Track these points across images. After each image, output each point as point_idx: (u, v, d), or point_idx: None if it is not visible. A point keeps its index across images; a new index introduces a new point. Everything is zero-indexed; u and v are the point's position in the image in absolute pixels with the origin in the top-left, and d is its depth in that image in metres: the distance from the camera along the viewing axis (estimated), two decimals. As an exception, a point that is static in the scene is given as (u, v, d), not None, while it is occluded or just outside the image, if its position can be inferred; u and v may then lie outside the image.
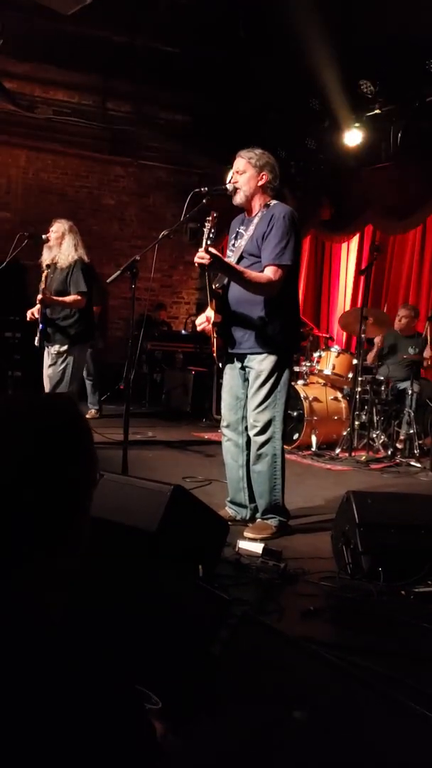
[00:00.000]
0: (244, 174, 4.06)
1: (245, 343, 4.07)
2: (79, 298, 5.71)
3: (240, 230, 4.20)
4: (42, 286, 5.71)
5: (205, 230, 3.84)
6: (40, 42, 8.09)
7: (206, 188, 4.12)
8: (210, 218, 3.87)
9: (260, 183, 4.06)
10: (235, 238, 4.23)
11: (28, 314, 5.80)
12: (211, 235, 3.83)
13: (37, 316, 5.72)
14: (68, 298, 5.71)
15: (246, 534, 3.95)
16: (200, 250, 3.79)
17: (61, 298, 5.70)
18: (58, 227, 5.90)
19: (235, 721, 2.06)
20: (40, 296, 5.67)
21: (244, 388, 4.16)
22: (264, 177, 4.06)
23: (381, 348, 7.51)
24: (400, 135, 7.89)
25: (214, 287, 4.11)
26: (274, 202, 4.10)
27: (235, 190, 4.07)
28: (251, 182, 4.06)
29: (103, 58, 8.43)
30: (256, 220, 4.08)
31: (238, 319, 4.07)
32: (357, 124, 8.19)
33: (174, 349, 10.22)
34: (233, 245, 4.22)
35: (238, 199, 4.10)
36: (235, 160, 4.12)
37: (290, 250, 3.95)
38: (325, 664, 2.49)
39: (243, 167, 4.06)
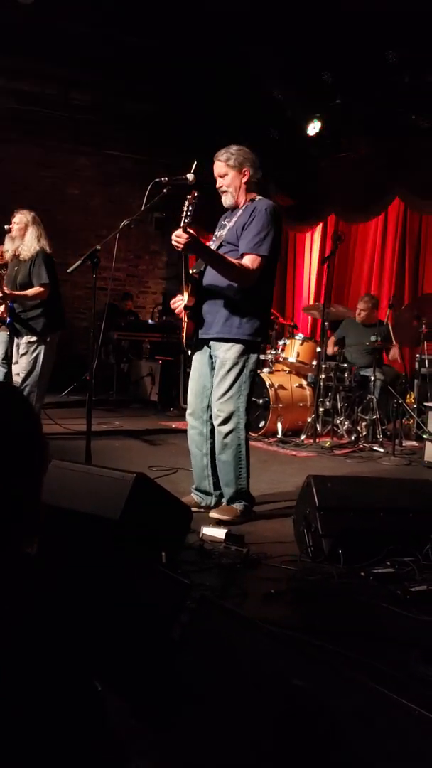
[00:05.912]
0: (226, 176, 4.10)
1: (213, 327, 4.08)
2: (41, 289, 5.66)
3: (224, 222, 4.24)
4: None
5: (184, 208, 3.79)
6: (1, 31, 8.01)
7: (167, 178, 4.15)
8: (190, 196, 3.81)
9: (244, 179, 4.10)
10: (219, 229, 4.26)
11: None
12: (189, 213, 3.79)
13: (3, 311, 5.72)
14: (30, 291, 5.66)
15: (212, 515, 4.03)
16: (177, 230, 3.76)
17: (23, 292, 5.67)
18: (21, 218, 5.84)
19: (195, 706, 2.11)
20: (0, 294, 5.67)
21: (212, 376, 4.18)
22: (246, 172, 4.10)
23: (336, 340, 7.63)
24: (360, 125, 7.97)
25: (191, 272, 4.13)
26: (259, 197, 4.14)
27: (224, 192, 4.12)
28: (236, 181, 4.10)
29: (66, 48, 8.37)
30: (239, 213, 4.12)
31: (210, 305, 4.09)
32: (318, 114, 8.25)
33: (141, 339, 10.22)
34: (216, 235, 4.26)
35: (228, 200, 4.15)
36: (214, 165, 4.14)
37: (269, 242, 3.97)
38: (285, 644, 2.55)
39: (224, 170, 4.10)
